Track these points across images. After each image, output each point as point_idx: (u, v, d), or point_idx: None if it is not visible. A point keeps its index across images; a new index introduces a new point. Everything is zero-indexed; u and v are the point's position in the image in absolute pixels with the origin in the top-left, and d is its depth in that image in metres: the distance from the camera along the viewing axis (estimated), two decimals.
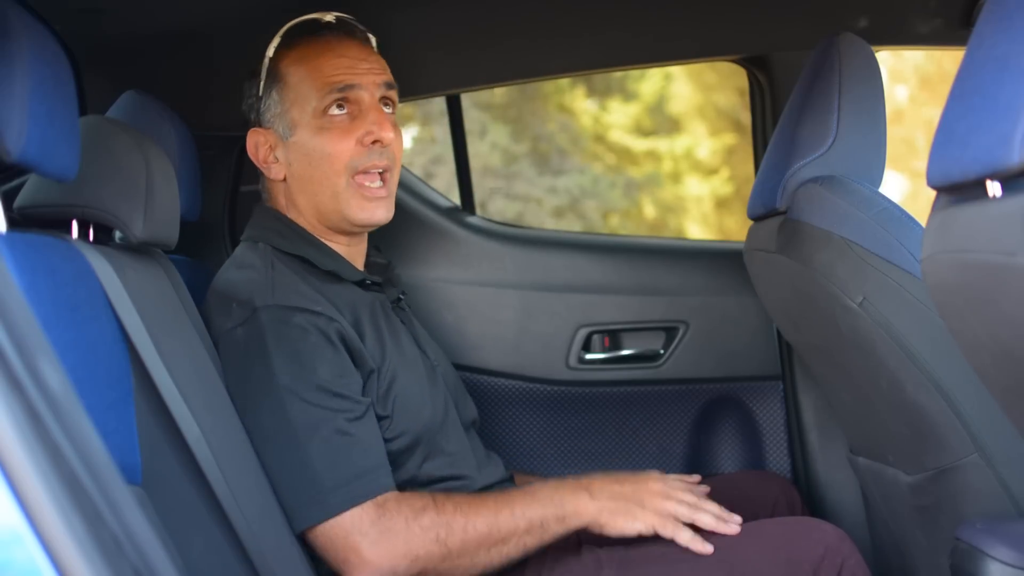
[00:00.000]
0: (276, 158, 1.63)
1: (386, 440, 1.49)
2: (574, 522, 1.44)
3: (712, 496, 1.82)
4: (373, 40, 1.69)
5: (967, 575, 1.20)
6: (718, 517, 1.46)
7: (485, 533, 1.40)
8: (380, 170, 1.59)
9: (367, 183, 1.59)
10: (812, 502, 2.14)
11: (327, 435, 1.41)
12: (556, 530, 1.43)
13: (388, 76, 1.63)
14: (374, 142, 1.57)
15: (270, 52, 1.61)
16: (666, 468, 2.24)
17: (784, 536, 1.46)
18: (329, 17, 1.62)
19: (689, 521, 1.44)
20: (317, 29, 1.62)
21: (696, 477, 1.55)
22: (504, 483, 1.68)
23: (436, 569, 1.39)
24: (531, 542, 1.43)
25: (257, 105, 1.63)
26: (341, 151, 1.57)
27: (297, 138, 1.59)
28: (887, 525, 1.76)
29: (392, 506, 1.40)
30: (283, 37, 1.62)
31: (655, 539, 1.53)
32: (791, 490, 1.89)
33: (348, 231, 1.63)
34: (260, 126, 1.63)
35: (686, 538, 1.42)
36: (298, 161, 1.60)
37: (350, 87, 1.57)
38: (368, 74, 1.59)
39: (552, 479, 1.51)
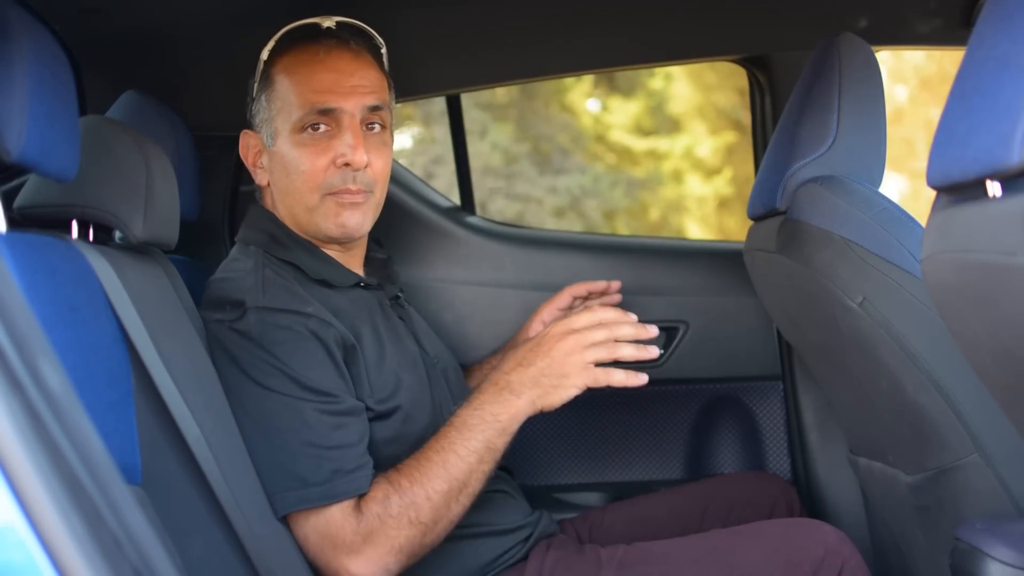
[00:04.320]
0: (262, 163, 1.62)
1: (387, 441, 1.49)
2: (514, 426, 1.42)
3: (712, 496, 1.83)
4: (383, 48, 1.65)
5: (967, 575, 1.20)
6: (637, 343, 1.43)
7: (446, 490, 1.39)
8: (353, 193, 1.56)
9: (342, 192, 1.56)
10: (812, 502, 2.14)
11: (310, 430, 1.40)
12: (503, 442, 1.43)
13: (375, 96, 1.58)
14: (346, 164, 1.54)
15: (264, 55, 1.59)
16: (666, 468, 2.26)
17: (784, 537, 1.47)
18: (329, 22, 1.58)
19: (610, 360, 1.41)
20: (314, 35, 1.58)
21: (632, 317, 1.46)
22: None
23: (421, 544, 1.39)
24: (487, 468, 1.43)
25: (251, 107, 1.62)
26: (315, 169, 1.54)
27: (278, 148, 1.58)
28: (887, 525, 1.76)
29: (364, 506, 1.40)
30: (279, 40, 1.59)
31: (656, 539, 1.53)
32: (790, 491, 1.89)
33: (329, 241, 1.61)
34: (252, 128, 1.63)
35: (620, 379, 1.41)
36: (277, 171, 1.59)
37: (329, 110, 1.54)
38: (352, 94, 1.55)
39: (471, 394, 1.47)
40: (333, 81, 1.55)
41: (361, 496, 1.41)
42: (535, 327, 1.89)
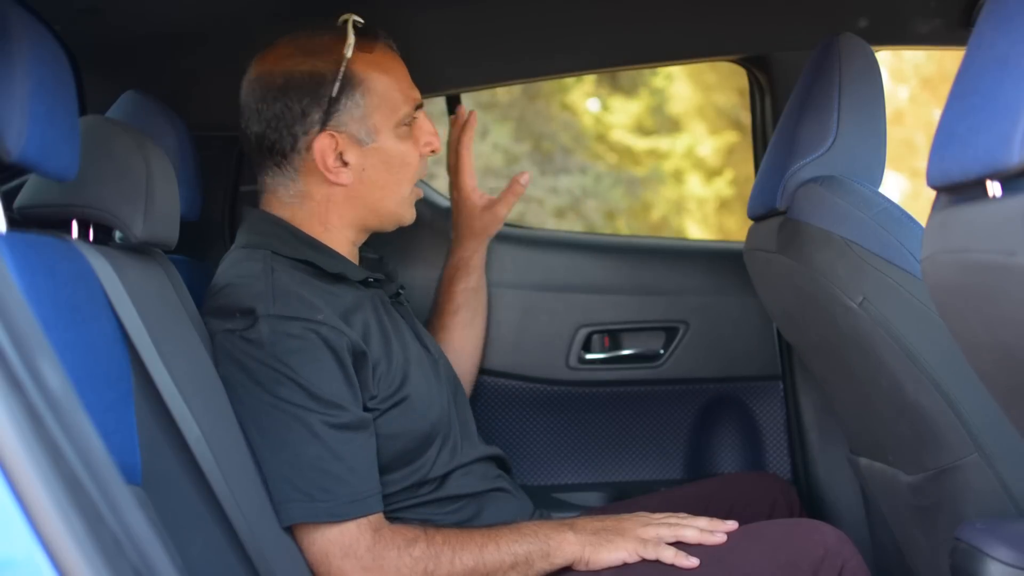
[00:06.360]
0: (345, 162, 1.58)
1: (393, 436, 1.50)
2: (558, 558, 1.45)
3: (712, 496, 1.83)
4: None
5: (967, 575, 1.20)
6: (704, 529, 1.46)
7: (471, 567, 1.41)
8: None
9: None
10: (812, 502, 2.14)
11: (320, 444, 1.41)
12: (540, 567, 1.45)
13: None
14: (432, 151, 1.64)
15: (348, 53, 1.55)
16: (666, 468, 2.26)
17: (784, 538, 1.46)
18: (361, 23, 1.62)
19: (673, 540, 1.45)
20: (369, 33, 1.60)
21: (732, 524, 1.49)
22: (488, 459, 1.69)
23: None
24: None
25: (329, 107, 1.55)
26: (413, 161, 1.62)
27: (380, 144, 1.58)
28: (887, 525, 1.76)
29: (387, 533, 1.42)
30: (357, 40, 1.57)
31: None
32: (790, 491, 1.89)
33: (375, 232, 1.67)
34: (335, 129, 1.56)
35: (669, 556, 1.42)
36: (375, 167, 1.59)
37: (420, 104, 1.63)
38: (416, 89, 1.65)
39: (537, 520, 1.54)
40: (410, 80, 1.63)
41: (383, 518, 1.43)
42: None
